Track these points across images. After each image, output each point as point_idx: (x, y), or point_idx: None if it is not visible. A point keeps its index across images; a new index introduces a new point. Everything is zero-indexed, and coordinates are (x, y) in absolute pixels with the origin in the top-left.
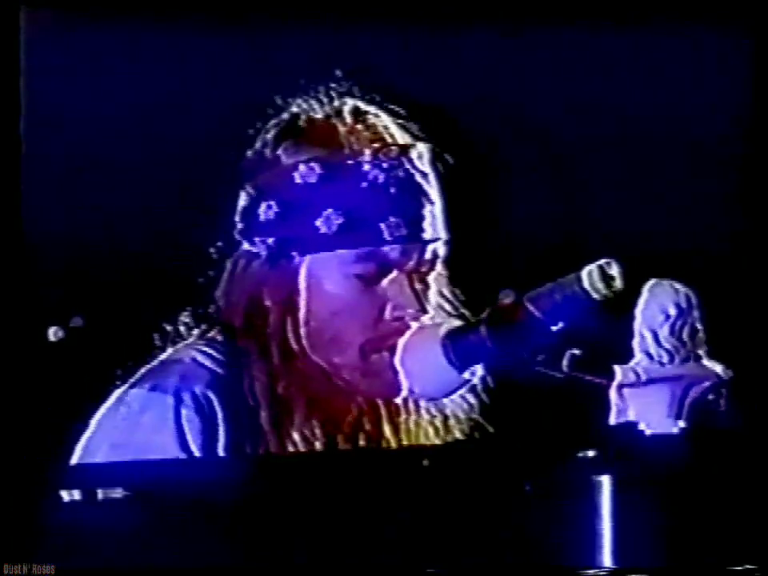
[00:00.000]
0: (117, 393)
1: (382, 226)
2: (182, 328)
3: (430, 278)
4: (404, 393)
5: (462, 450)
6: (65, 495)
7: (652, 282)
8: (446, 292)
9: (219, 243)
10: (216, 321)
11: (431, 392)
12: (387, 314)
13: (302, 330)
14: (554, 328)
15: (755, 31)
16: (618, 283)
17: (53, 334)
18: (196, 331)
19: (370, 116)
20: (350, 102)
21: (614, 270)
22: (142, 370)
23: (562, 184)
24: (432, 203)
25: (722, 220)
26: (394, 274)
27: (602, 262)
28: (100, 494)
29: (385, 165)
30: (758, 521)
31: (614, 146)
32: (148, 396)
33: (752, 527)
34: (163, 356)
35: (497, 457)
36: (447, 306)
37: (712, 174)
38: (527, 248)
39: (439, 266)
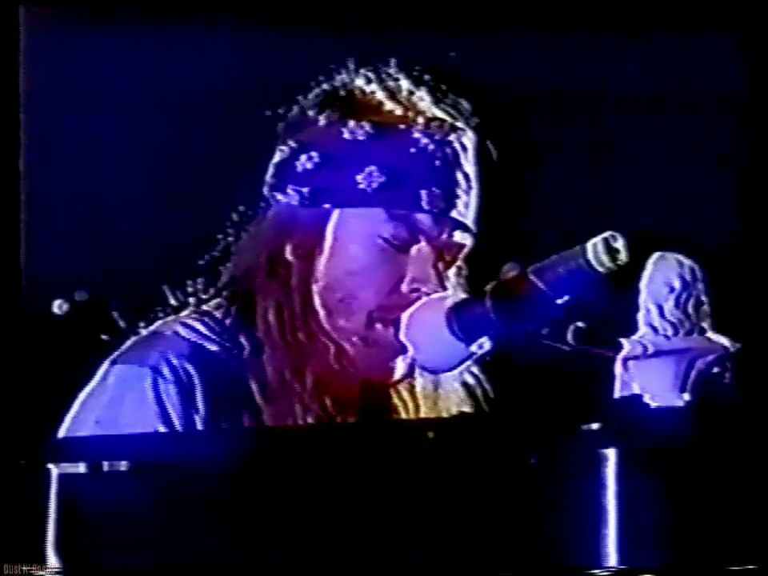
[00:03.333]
0: (101, 368)
1: (423, 193)
2: (191, 299)
3: (453, 269)
4: (397, 376)
5: (466, 422)
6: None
7: (657, 255)
8: (463, 288)
9: (241, 208)
10: (221, 290)
11: (436, 365)
12: (405, 284)
13: (316, 286)
14: (558, 301)
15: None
16: (623, 256)
17: (57, 306)
18: (190, 305)
19: (415, 97)
20: (398, 83)
21: (619, 243)
22: (126, 344)
23: (570, 159)
24: (469, 191)
25: (726, 193)
26: (422, 245)
27: (606, 234)
28: (105, 466)
29: (436, 136)
30: (764, 494)
31: (621, 122)
32: (127, 371)
33: (757, 500)
34: (146, 330)
35: (501, 429)
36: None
37: (717, 147)
38: (532, 225)
39: (461, 260)
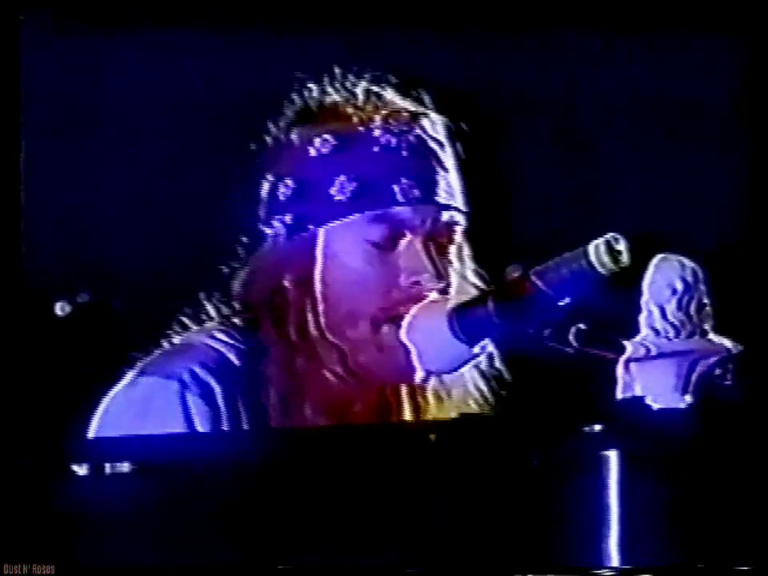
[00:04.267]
0: (126, 378)
1: (395, 187)
2: (206, 312)
3: (451, 250)
4: (420, 374)
5: (469, 424)
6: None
7: (659, 256)
8: (470, 267)
9: (244, 239)
10: (237, 311)
11: (438, 367)
12: (402, 280)
13: (320, 307)
14: (560, 303)
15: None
16: (625, 258)
17: (59, 308)
18: (216, 317)
19: (381, 95)
20: (361, 85)
21: (621, 245)
22: (152, 356)
23: (572, 160)
24: (446, 170)
25: (728, 194)
26: (409, 237)
27: (608, 236)
28: (108, 468)
29: (395, 129)
30: (765, 494)
31: (623, 122)
32: (155, 383)
33: (759, 501)
34: (174, 341)
35: (504, 431)
36: (474, 280)
37: (719, 149)
38: (539, 223)
39: (459, 238)
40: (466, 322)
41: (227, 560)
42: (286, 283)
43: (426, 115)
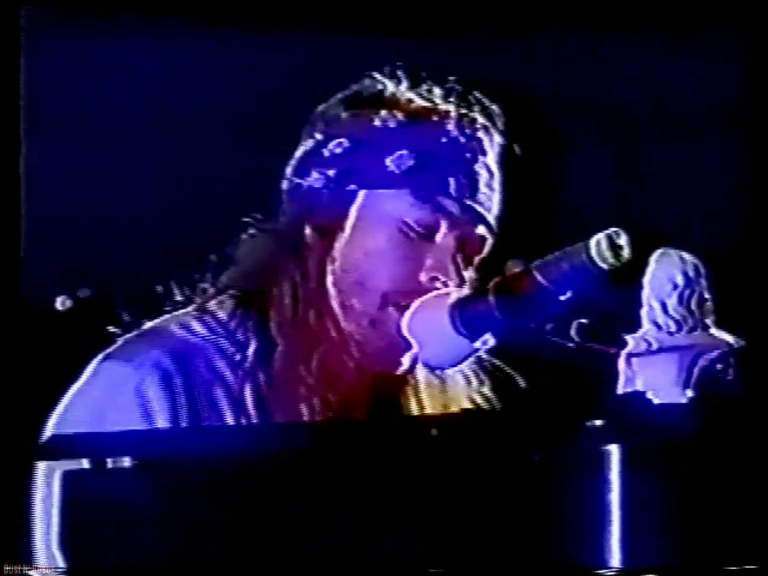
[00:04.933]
0: (91, 365)
1: (451, 180)
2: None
3: (476, 262)
4: (404, 367)
5: (470, 419)
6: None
7: (660, 251)
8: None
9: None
10: (226, 288)
11: (439, 361)
12: (423, 273)
13: (332, 266)
14: (561, 297)
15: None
16: (626, 253)
17: (60, 303)
18: (195, 303)
19: (444, 103)
20: (430, 92)
21: (623, 240)
22: (118, 342)
23: (573, 157)
24: (491, 187)
25: (730, 189)
26: (445, 233)
27: (610, 231)
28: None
29: (467, 131)
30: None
31: (624, 119)
32: (117, 369)
33: (762, 498)
34: (142, 328)
35: (504, 426)
36: None
37: (720, 144)
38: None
39: (485, 253)
40: (467, 316)
41: (223, 559)
42: (307, 234)
43: (491, 134)
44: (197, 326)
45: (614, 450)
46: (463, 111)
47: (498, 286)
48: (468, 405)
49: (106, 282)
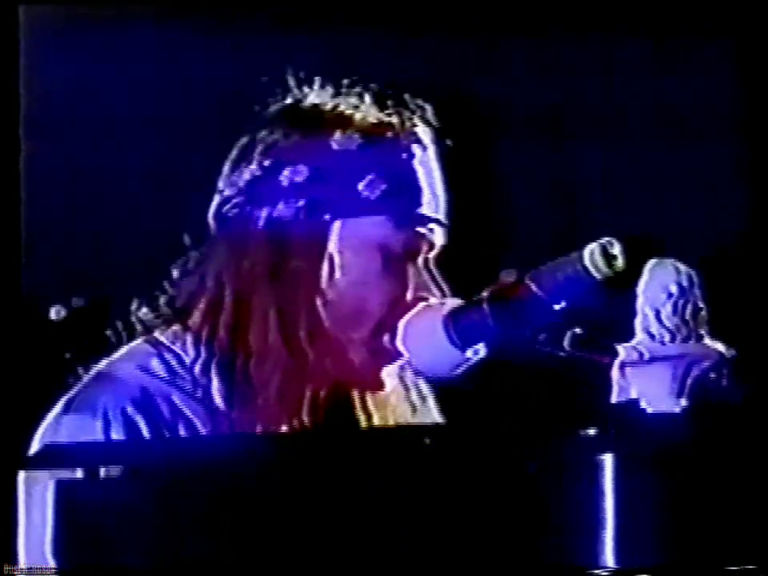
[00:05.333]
0: (52, 413)
1: (422, 198)
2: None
3: (431, 263)
4: (387, 389)
5: (463, 428)
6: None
7: (654, 261)
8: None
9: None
10: (179, 310)
11: (432, 371)
12: (410, 293)
13: (320, 299)
14: (556, 307)
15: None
16: (620, 262)
17: (54, 312)
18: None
19: (376, 108)
20: (360, 97)
21: (617, 249)
22: (77, 387)
23: (564, 165)
24: (432, 185)
25: (725, 199)
26: (424, 251)
27: (604, 240)
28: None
29: (419, 141)
30: (761, 499)
31: (618, 127)
32: (79, 421)
33: (754, 506)
34: (96, 369)
35: (498, 435)
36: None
37: (714, 153)
38: (527, 230)
39: (434, 252)
40: (462, 326)
41: (215, 566)
42: (290, 265)
43: (423, 129)
44: (155, 365)
45: (607, 459)
46: (404, 119)
47: (492, 295)
48: (459, 413)
49: (102, 291)
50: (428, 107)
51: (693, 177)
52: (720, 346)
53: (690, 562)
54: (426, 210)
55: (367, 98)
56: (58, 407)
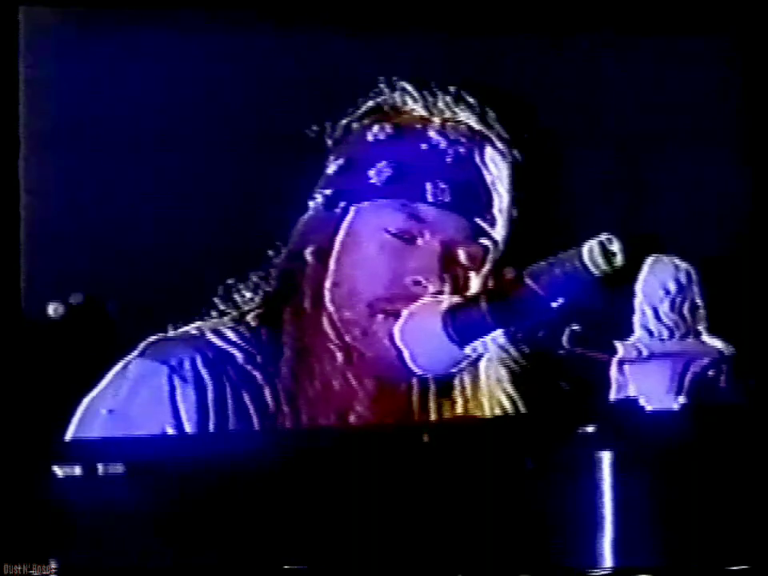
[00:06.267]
0: (123, 361)
1: (428, 186)
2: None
3: (474, 274)
4: (398, 374)
5: (462, 425)
6: (62, 471)
7: (652, 258)
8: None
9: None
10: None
11: (431, 367)
12: (408, 276)
13: (327, 283)
14: (554, 304)
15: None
16: (619, 259)
17: (53, 309)
18: (229, 314)
19: (450, 111)
20: (437, 98)
21: (615, 246)
22: (152, 339)
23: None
24: (491, 196)
25: (723, 196)
26: (427, 238)
27: (602, 237)
28: (100, 468)
29: (451, 135)
30: (758, 496)
31: (617, 125)
32: (148, 366)
33: (752, 502)
34: (176, 331)
35: (498, 432)
36: None
37: (713, 151)
38: (535, 225)
39: (487, 266)
40: (460, 322)
41: (221, 562)
42: (307, 256)
43: (489, 139)
44: (229, 334)
45: (606, 455)
46: (448, 116)
47: (491, 292)
48: (461, 411)
49: (102, 289)
50: (489, 110)
51: (691, 174)
52: (718, 343)
53: (687, 557)
54: (435, 197)
55: (439, 97)
56: (128, 357)
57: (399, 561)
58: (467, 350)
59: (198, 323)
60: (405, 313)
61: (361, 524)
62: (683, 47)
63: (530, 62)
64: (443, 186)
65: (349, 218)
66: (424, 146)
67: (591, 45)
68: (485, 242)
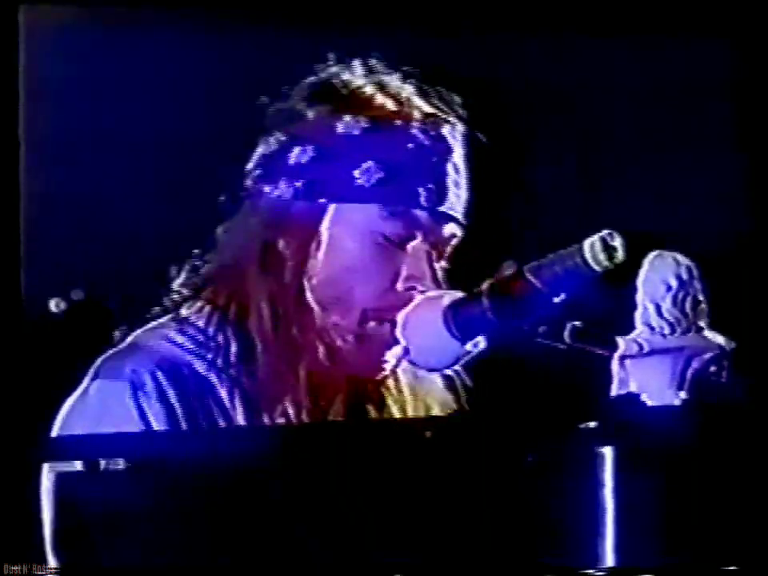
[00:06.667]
0: (83, 382)
1: (420, 190)
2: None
3: (442, 262)
4: (385, 373)
5: (464, 421)
6: (61, 469)
7: (654, 253)
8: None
9: (221, 198)
10: (201, 289)
11: (432, 363)
12: (400, 282)
13: (308, 282)
14: (555, 299)
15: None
16: (620, 255)
17: (54, 305)
18: (171, 313)
19: (405, 93)
20: (387, 77)
21: (616, 242)
22: (104, 356)
23: (567, 159)
24: (457, 182)
25: (724, 192)
26: (418, 242)
27: (604, 233)
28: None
29: (431, 132)
30: (759, 492)
31: (617, 121)
32: (108, 385)
33: (754, 499)
34: (123, 343)
35: (499, 428)
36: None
37: (713, 146)
38: (534, 220)
39: (450, 250)
40: (461, 318)
41: (216, 560)
42: (281, 248)
43: (455, 124)
44: (179, 339)
45: (607, 451)
46: (426, 109)
47: (492, 288)
48: (451, 400)
49: (101, 284)
50: (459, 98)
51: (692, 170)
52: (720, 338)
53: (689, 556)
54: (428, 201)
55: (394, 78)
56: (85, 380)
57: (399, 558)
58: (468, 345)
59: (140, 331)
60: (406, 308)
61: (359, 520)
62: (685, 46)
63: (530, 62)
64: (433, 188)
65: (330, 215)
66: (410, 146)
67: (589, 45)
68: (455, 229)
